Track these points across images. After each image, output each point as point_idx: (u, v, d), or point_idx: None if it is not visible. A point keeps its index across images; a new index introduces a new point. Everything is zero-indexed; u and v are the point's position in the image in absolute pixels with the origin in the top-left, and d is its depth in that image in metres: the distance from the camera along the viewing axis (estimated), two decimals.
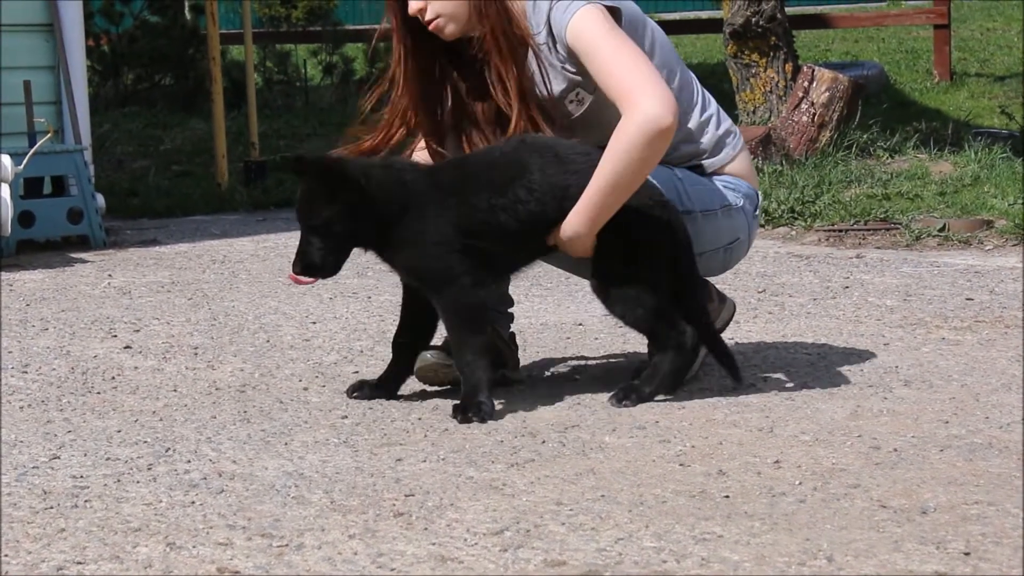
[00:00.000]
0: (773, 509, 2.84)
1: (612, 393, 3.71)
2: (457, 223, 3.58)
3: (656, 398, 3.69)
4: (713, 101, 3.94)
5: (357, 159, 3.69)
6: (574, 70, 3.71)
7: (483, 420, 3.54)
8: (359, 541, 2.70)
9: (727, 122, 3.93)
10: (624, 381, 3.79)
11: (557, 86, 3.74)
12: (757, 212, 3.97)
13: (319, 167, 3.59)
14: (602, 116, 3.69)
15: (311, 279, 3.71)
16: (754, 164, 7.88)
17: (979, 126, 10.21)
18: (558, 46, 3.69)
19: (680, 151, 3.82)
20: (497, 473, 3.13)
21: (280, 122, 11.90)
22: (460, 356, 3.62)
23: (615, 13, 3.67)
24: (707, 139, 3.87)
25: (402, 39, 3.77)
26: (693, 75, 3.92)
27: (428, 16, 3.69)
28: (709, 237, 3.84)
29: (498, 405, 3.67)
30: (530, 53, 3.70)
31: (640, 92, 3.53)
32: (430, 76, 3.79)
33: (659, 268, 3.64)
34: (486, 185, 3.59)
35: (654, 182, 3.65)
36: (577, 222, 3.58)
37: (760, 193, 4.00)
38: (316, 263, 3.61)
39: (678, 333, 3.66)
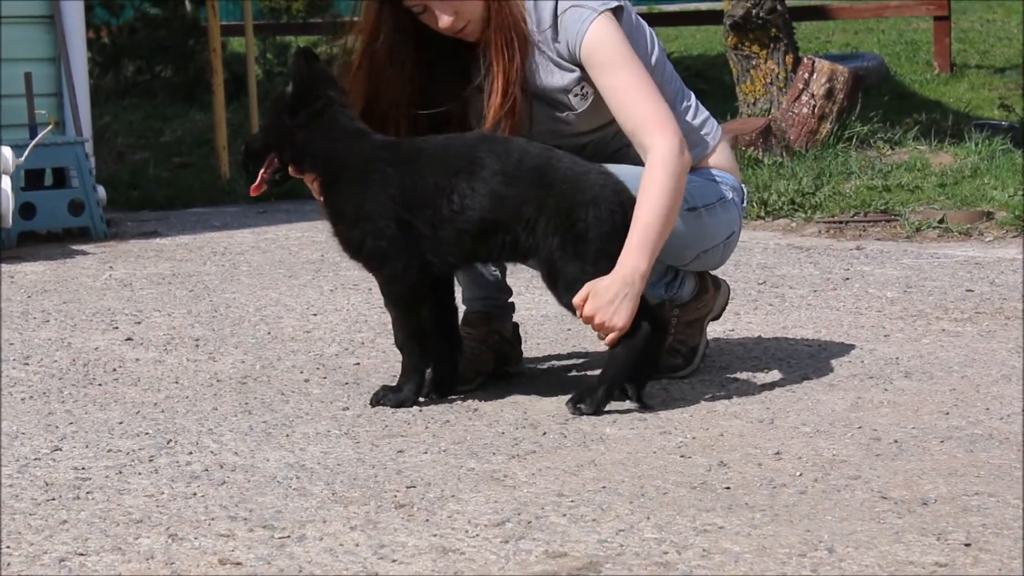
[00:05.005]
0: (774, 500, 2.85)
1: (569, 397, 3.59)
2: (398, 195, 3.54)
3: (648, 393, 3.63)
4: (691, 93, 3.93)
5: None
6: (573, 67, 3.70)
7: (389, 405, 3.60)
8: (360, 532, 2.70)
9: (704, 113, 3.92)
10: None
11: (559, 80, 3.72)
12: (744, 205, 3.96)
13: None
14: (602, 110, 3.69)
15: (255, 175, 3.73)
16: (753, 156, 7.97)
17: (979, 117, 10.20)
18: (560, 46, 3.68)
19: None
20: (498, 465, 3.13)
21: None
22: (395, 335, 3.68)
23: (618, 12, 3.67)
24: (686, 129, 3.84)
25: (392, 42, 3.78)
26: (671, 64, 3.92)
27: (459, 25, 3.68)
28: (711, 232, 3.84)
29: (499, 397, 3.68)
30: (532, 50, 3.70)
31: (664, 127, 3.59)
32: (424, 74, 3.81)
33: (610, 266, 3.51)
34: (437, 165, 3.56)
35: (623, 184, 3.59)
36: (638, 257, 3.50)
37: (744, 188, 3.99)
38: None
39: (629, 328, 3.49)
